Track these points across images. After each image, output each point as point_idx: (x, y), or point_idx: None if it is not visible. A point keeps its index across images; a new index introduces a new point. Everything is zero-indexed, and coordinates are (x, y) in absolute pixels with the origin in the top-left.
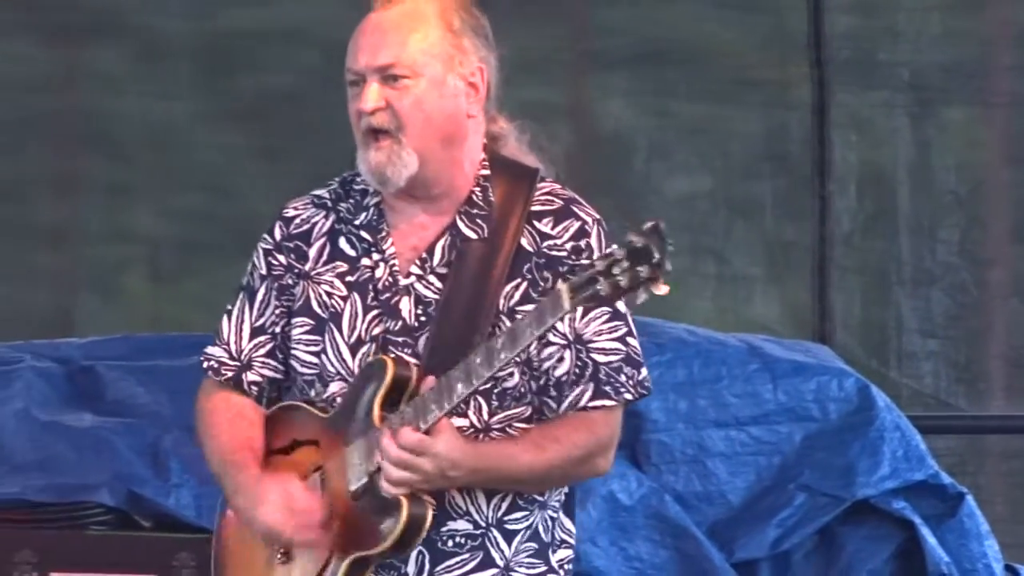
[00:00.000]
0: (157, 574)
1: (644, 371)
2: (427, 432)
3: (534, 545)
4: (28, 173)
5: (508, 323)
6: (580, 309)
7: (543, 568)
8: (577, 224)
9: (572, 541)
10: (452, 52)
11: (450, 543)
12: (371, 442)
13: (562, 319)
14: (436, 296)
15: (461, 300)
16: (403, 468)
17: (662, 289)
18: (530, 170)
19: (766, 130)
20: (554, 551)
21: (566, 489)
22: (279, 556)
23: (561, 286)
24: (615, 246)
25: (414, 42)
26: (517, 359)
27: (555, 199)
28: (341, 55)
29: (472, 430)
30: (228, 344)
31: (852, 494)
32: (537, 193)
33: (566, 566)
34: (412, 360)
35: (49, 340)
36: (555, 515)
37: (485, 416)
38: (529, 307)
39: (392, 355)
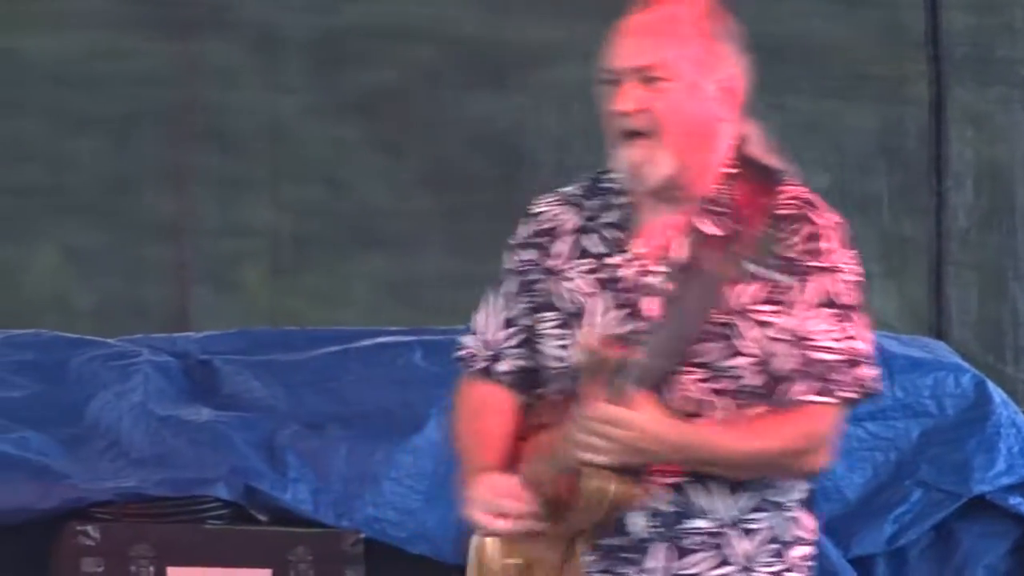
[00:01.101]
0: (273, 568)
1: (868, 371)
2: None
3: (774, 545)
4: (144, 167)
5: (741, 322)
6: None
7: (782, 567)
8: (813, 228)
9: (811, 538)
10: (709, 58)
11: (691, 541)
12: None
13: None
14: (678, 293)
15: (696, 297)
16: (596, 436)
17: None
18: (774, 171)
19: (882, 126)
20: (793, 549)
21: (805, 487)
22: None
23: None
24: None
25: (673, 45)
26: (754, 356)
27: (796, 201)
28: (453, 51)
29: None
30: (480, 335)
31: (968, 490)
32: (780, 195)
33: (808, 562)
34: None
35: (166, 334)
36: (794, 514)
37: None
38: (764, 307)
39: (615, 346)
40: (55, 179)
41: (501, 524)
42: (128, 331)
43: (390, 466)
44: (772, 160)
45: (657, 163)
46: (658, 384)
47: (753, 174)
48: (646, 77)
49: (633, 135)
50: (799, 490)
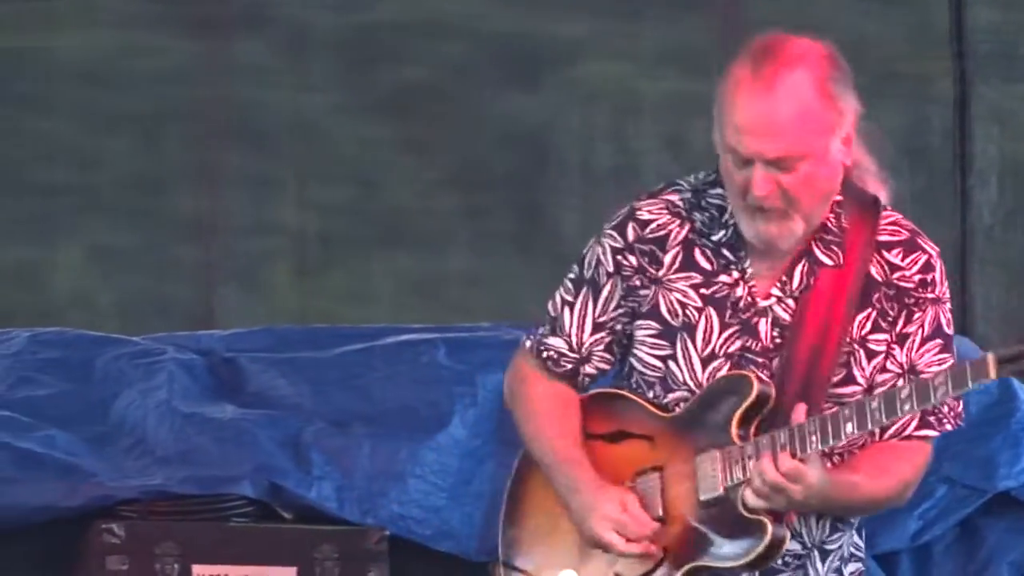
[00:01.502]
0: (298, 566)
1: (962, 404)
2: (801, 461)
3: (836, 563)
4: (172, 165)
5: (860, 351)
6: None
7: None
8: (924, 257)
9: (861, 555)
10: (833, 119)
11: (781, 562)
12: (729, 456)
13: (975, 384)
14: (792, 319)
15: (814, 325)
16: (775, 491)
17: None
18: (873, 198)
19: (907, 124)
20: (849, 565)
21: None
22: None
23: (989, 356)
24: None
25: (800, 126)
26: (864, 383)
27: (901, 230)
28: (484, 48)
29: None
30: (570, 336)
31: (993, 486)
32: (883, 221)
33: None
34: (769, 381)
35: (191, 332)
36: (853, 534)
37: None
38: (879, 336)
39: (753, 372)
40: (83, 178)
41: (623, 545)
42: (154, 330)
43: (415, 463)
44: (870, 182)
45: (790, 234)
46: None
47: (856, 200)
48: (780, 165)
49: (764, 211)
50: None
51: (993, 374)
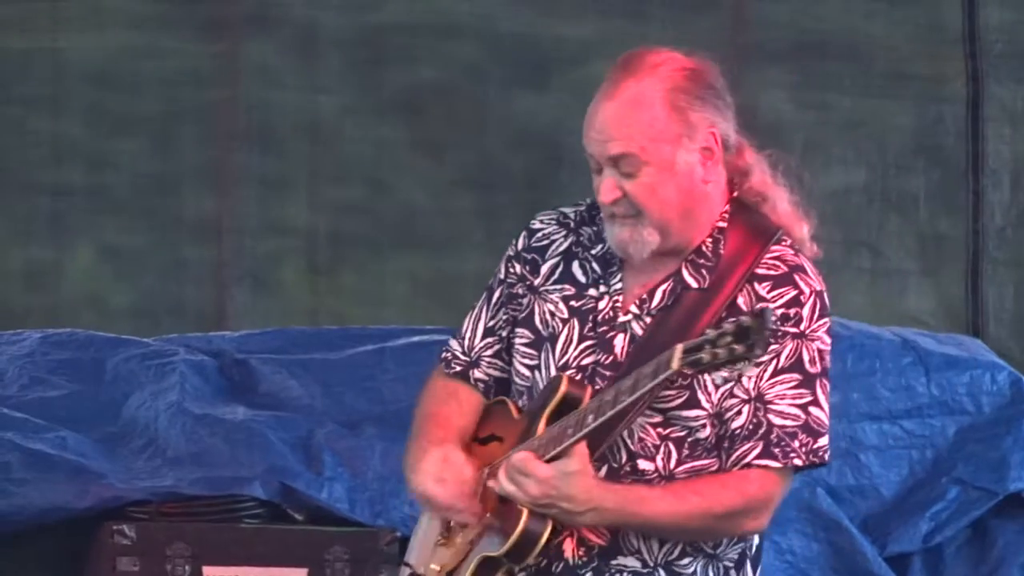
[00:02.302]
0: (309, 567)
1: (823, 441)
2: (557, 457)
3: None
4: (183, 166)
5: (707, 376)
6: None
7: None
8: (793, 293)
9: None
10: (679, 131)
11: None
12: (523, 449)
13: (676, 378)
14: (643, 336)
15: (662, 343)
16: (511, 482)
17: (750, 370)
18: (770, 230)
19: (920, 124)
20: None
21: (749, 543)
22: (440, 537)
23: (677, 346)
24: (742, 318)
25: (640, 131)
26: (708, 408)
27: (781, 264)
28: (493, 49)
29: (656, 475)
30: (463, 339)
31: (1004, 488)
32: (767, 255)
33: None
34: (588, 385)
35: (203, 333)
36: (729, 566)
37: (672, 464)
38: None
39: (566, 375)
40: (95, 179)
41: (440, 491)
42: (166, 331)
43: None
44: (775, 191)
45: (642, 241)
46: (612, 428)
47: (748, 228)
48: (619, 168)
49: (617, 216)
50: (736, 546)
51: (676, 365)
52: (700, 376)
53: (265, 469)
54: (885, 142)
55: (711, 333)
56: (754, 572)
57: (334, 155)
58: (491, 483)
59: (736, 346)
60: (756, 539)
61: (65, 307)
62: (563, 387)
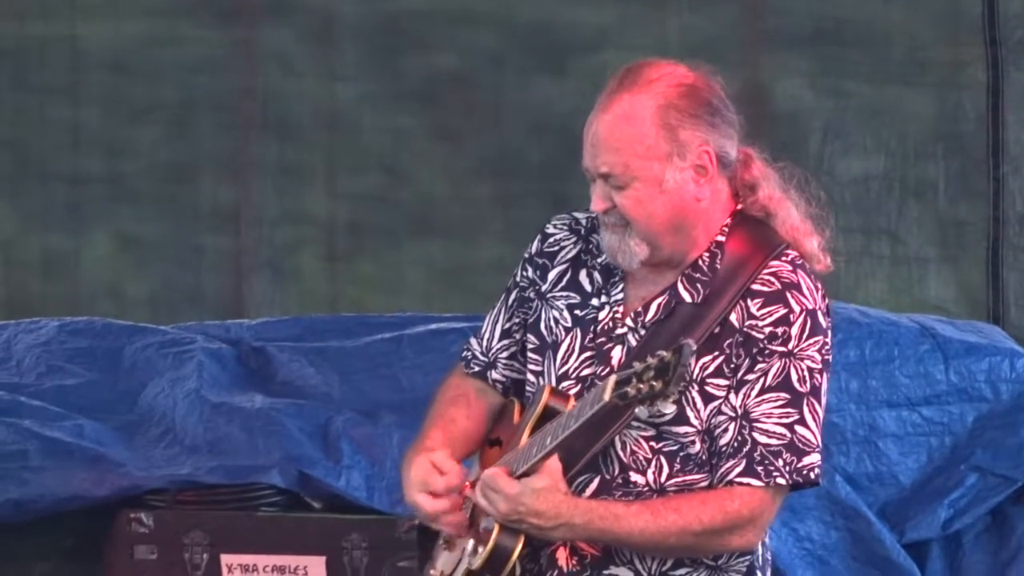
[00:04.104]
0: (327, 555)
1: (810, 460)
2: (529, 472)
3: None
4: (200, 154)
5: (696, 392)
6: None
7: None
8: (783, 311)
9: None
10: (669, 149)
11: None
12: (504, 461)
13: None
14: (636, 348)
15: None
16: (484, 498)
17: (668, 408)
18: (771, 244)
19: (940, 110)
20: None
21: (756, 553)
22: (442, 542)
23: (611, 376)
24: (661, 352)
25: (629, 148)
26: (698, 425)
27: (775, 281)
28: (511, 35)
29: (647, 488)
30: (482, 339)
31: (1023, 475)
32: (764, 271)
33: None
34: (572, 397)
35: (220, 322)
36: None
37: (663, 478)
38: (720, 381)
39: (549, 386)
40: (112, 167)
41: (430, 505)
42: (184, 319)
43: None
44: (783, 206)
45: (629, 251)
46: (590, 444)
47: (749, 242)
48: (612, 183)
49: (608, 224)
50: (743, 558)
51: (606, 396)
52: (688, 391)
53: (283, 457)
54: (904, 129)
55: (638, 366)
56: None
57: (352, 143)
58: (469, 494)
59: (655, 382)
60: (762, 548)
61: (83, 295)
62: (544, 398)
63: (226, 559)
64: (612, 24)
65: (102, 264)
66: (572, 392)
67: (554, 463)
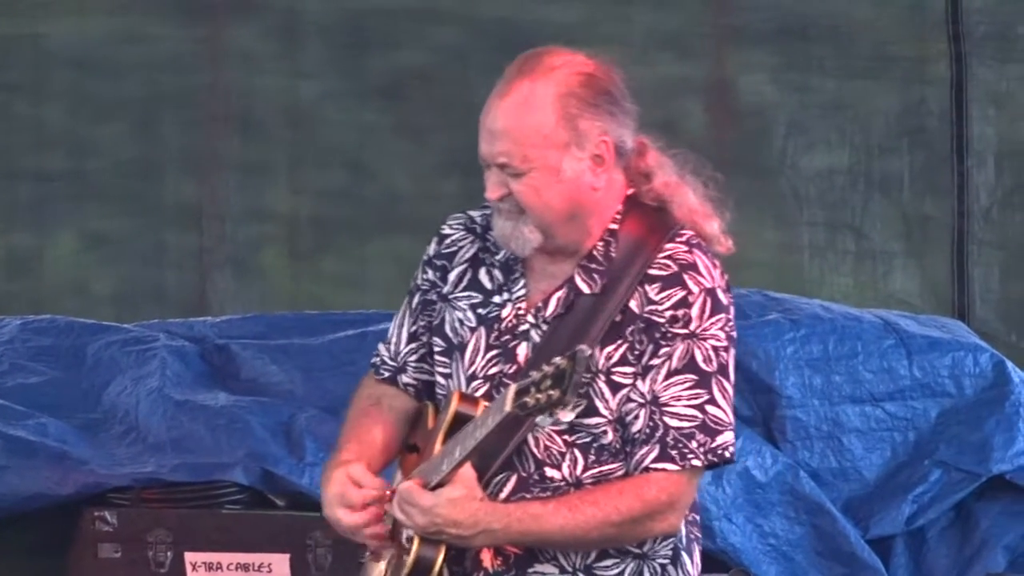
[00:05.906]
0: (291, 552)
1: (723, 439)
2: (440, 484)
3: None
4: (164, 152)
5: (603, 383)
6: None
7: None
8: (682, 293)
9: None
10: (567, 138)
11: None
12: (421, 471)
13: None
14: (540, 344)
15: (557, 351)
16: (401, 512)
17: (567, 416)
18: (665, 226)
19: (904, 105)
20: None
21: (679, 535)
22: (369, 554)
23: (512, 386)
24: (557, 359)
25: (525, 135)
26: (608, 415)
27: (672, 264)
28: (476, 32)
29: (563, 482)
30: (390, 344)
31: (987, 470)
32: (659, 255)
33: None
34: (480, 400)
35: (184, 319)
36: (665, 563)
37: (579, 471)
38: (626, 369)
39: (458, 392)
40: (76, 164)
41: (349, 519)
42: (148, 317)
43: None
44: (680, 191)
45: (523, 238)
46: (503, 447)
47: (642, 228)
48: (507, 170)
49: (502, 211)
50: (666, 542)
51: (508, 407)
52: (595, 382)
53: (246, 455)
54: (869, 124)
55: (535, 375)
56: (691, 560)
57: (316, 140)
58: (388, 508)
59: (552, 391)
60: (687, 529)
61: (47, 293)
62: (453, 405)
63: (190, 557)
64: (577, 21)
65: (66, 262)
66: (481, 392)
67: (467, 471)
